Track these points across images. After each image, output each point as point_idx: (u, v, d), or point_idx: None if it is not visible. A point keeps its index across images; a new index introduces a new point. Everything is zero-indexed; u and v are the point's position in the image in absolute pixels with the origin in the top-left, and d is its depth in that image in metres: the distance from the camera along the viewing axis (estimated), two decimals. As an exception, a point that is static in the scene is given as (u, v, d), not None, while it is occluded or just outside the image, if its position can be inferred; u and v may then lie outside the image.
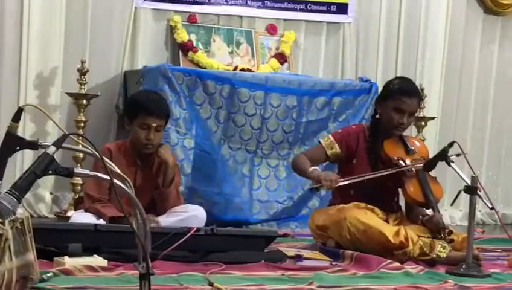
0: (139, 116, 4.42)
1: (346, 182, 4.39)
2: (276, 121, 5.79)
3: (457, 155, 4.40)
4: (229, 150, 5.70)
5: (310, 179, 4.55)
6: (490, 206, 4.06)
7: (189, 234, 3.83)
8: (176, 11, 6.24)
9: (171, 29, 6.20)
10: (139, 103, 4.48)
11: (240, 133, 5.70)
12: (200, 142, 5.56)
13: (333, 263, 4.07)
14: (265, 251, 4.12)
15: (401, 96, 4.53)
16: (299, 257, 4.13)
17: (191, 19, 6.25)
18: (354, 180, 4.42)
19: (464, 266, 4.02)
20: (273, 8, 6.53)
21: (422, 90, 6.35)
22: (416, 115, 6.15)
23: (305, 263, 4.06)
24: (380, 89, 5.00)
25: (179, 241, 3.77)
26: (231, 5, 6.38)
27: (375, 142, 4.60)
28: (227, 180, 5.67)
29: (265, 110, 5.75)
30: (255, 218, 5.73)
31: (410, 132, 6.43)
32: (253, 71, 6.09)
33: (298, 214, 5.85)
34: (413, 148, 4.61)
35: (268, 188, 5.80)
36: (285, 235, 5.15)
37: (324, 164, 5.03)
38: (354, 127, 4.81)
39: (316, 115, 5.89)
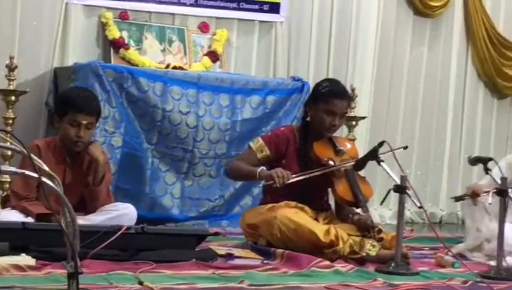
0: (69, 113, 4.36)
1: (297, 178, 4.41)
2: (211, 119, 5.77)
3: (403, 147, 4.47)
4: (164, 148, 5.65)
5: (259, 179, 4.55)
6: (419, 205, 4.10)
7: (119, 233, 3.80)
8: (108, 8, 6.17)
9: (103, 26, 6.13)
10: (69, 100, 4.42)
11: (176, 132, 5.67)
12: (130, 141, 5.51)
13: (264, 262, 4.08)
14: (196, 249, 4.10)
15: (332, 99, 4.56)
16: (230, 256, 4.13)
17: (122, 15, 6.19)
18: (305, 177, 4.43)
19: (392, 264, 4.06)
20: (205, 6, 6.51)
21: (353, 90, 6.41)
22: (346, 114, 6.24)
23: (236, 261, 4.06)
24: (311, 89, 5.02)
25: (109, 240, 3.73)
26: (163, 2, 6.34)
27: (305, 144, 4.62)
28: (159, 179, 5.63)
29: (199, 108, 5.73)
30: (186, 215, 5.71)
31: (341, 131, 6.46)
32: (185, 69, 6.06)
33: (230, 213, 5.85)
34: (342, 148, 4.64)
35: (202, 186, 5.78)
36: (216, 234, 5.14)
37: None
38: (283, 128, 4.82)
39: (250, 113, 5.89)
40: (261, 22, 6.77)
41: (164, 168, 5.66)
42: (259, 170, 4.47)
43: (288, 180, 4.34)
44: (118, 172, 5.45)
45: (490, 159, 4.43)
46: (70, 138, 4.37)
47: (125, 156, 5.50)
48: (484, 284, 3.81)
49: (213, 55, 6.42)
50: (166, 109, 5.62)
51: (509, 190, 4.24)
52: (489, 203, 4.55)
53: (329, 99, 4.56)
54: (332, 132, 4.63)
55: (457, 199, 4.87)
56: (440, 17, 7.54)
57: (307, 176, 4.45)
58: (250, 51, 6.76)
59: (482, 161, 4.42)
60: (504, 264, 4.15)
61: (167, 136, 5.65)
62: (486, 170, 4.38)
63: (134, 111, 5.56)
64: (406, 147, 4.61)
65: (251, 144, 4.68)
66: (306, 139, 4.63)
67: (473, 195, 4.66)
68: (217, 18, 6.59)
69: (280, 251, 4.22)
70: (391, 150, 4.29)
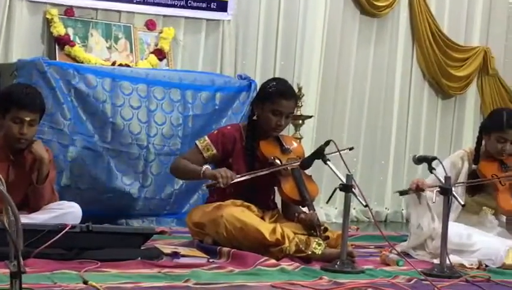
0: (12, 110, 4.30)
1: (242, 178, 4.41)
2: (162, 113, 5.73)
3: (348, 148, 4.52)
4: (119, 145, 5.59)
5: (203, 178, 4.54)
6: (364, 204, 4.13)
7: (63, 231, 3.75)
8: (53, 4, 6.11)
9: (48, 23, 6.07)
10: (12, 97, 4.35)
11: (129, 127, 5.62)
12: (81, 139, 5.45)
13: (210, 260, 4.07)
14: (142, 248, 4.08)
15: (278, 99, 4.57)
16: (175, 254, 4.11)
17: (68, 12, 6.13)
18: (250, 176, 4.43)
19: (338, 263, 4.08)
20: (152, 3, 6.48)
21: (299, 89, 6.43)
22: (293, 114, 6.26)
23: (182, 260, 4.04)
24: (258, 88, 5.02)
25: (53, 239, 3.69)
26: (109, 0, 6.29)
27: (252, 142, 4.62)
28: (114, 177, 5.57)
29: (150, 103, 5.69)
30: (140, 213, 5.67)
31: (288, 130, 6.49)
32: (131, 67, 6.02)
33: (180, 211, 5.82)
34: (288, 147, 4.66)
35: (158, 185, 5.74)
36: (162, 233, 5.12)
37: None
38: (229, 127, 4.81)
39: (201, 109, 5.87)
40: (208, 20, 6.76)
41: (120, 166, 5.60)
42: (203, 169, 4.47)
43: (232, 180, 4.34)
44: (72, 169, 5.40)
45: (434, 158, 4.47)
46: (13, 135, 4.31)
47: (77, 154, 5.43)
48: (428, 282, 3.84)
49: (160, 53, 6.39)
50: (117, 104, 5.57)
51: (453, 189, 4.29)
52: (434, 202, 4.60)
53: (276, 99, 4.57)
54: (278, 132, 4.64)
55: (402, 193, 4.91)
56: (386, 17, 7.61)
57: (252, 175, 4.45)
58: (197, 49, 6.75)
59: (427, 160, 4.47)
60: (447, 262, 4.19)
61: (121, 132, 5.59)
62: (431, 169, 4.42)
63: (84, 108, 5.49)
64: (351, 148, 4.64)
65: (197, 142, 4.67)
66: (253, 138, 4.63)
67: (417, 189, 4.70)
68: (164, 16, 6.56)
69: (226, 249, 4.21)
70: (337, 151, 4.31)
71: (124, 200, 5.61)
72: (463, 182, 4.90)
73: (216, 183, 4.34)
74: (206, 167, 4.49)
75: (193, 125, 5.84)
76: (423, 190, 4.68)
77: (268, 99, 4.59)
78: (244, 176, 4.43)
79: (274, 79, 4.97)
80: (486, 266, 4.53)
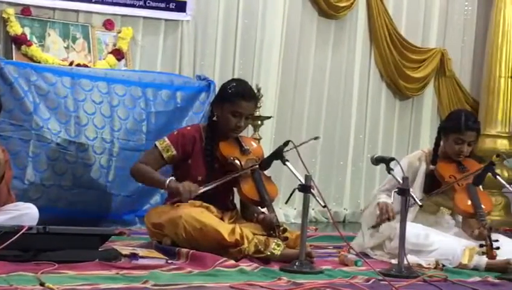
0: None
1: (205, 189, 4.41)
2: (125, 109, 5.68)
3: (314, 138, 4.51)
4: (85, 139, 5.53)
5: (167, 190, 4.53)
6: (323, 204, 4.14)
7: (20, 233, 3.71)
8: (9, 3, 6.04)
9: (4, 22, 6.00)
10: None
11: (92, 121, 5.56)
12: (45, 134, 5.38)
13: (168, 262, 4.05)
14: (100, 249, 4.05)
15: (238, 100, 4.57)
16: (134, 256, 4.09)
17: (24, 11, 6.06)
18: (212, 186, 4.43)
19: (297, 263, 4.09)
20: (110, 3, 6.44)
21: (258, 90, 6.41)
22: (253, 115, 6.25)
23: (140, 261, 4.02)
24: (218, 88, 5.01)
25: (10, 240, 3.65)
26: (67, -1, 6.25)
27: (211, 143, 4.62)
28: (80, 173, 5.50)
29: (112, 99, 5.64)
30: (102, 213, 5.61)
31: (247, 131, 6.49)
32: (89, 67, 5.98)
33: (141, 209, 5.77)
34: (248, 148, 4.66)
35: (122, 181, 5.69)
36: (120, 234, 5.09)
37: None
38: (189, 127, 4.80)
39: (163, 106, 5.84)
40: (167, 20, 6.73)
41: (88, 161, 5.54)
42: (168, 181, 4.47)
43: (195, 193, 4.36)
44: (35, 167, 5.33)
45: (392, 159, 4.50)
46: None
47: (40, 149, 5.36)
48: (386, 282, 3.87)
49: (118, 53, 6.35)
50: (79, 98, 5.51)
51: (410, 189, 4.32)
52: (392, 203, 4.63)
53: (236, 101, 4.57)
54: (238, 133, 4.64)
55: (374, 227, 4.88)
56: (344, 18, 7.64)
57: (214, 185, 4.44)
58: (155, 49, 6.72)
59: (385, 161, 4.49)
60: (405, 262, 4.22)
61: (85, 126, 5.53)
62: (389, 170, 4.45)
63: (46, 103, 5.39)
64: (317, 138, 4.66)
65: (157, 143, 4.65)
66: (212, 139, 4.62)
67: (388, 220, 4.71)
68: (122, 16, 6.52)
69: (185, 250, 4.20)
70: (304, 142, 4.32)
71: (90, 196, 5.54)
72: (430, 194, 4.92)
73: (179, 200, 4.36)
74: (170, 178, 4.49)
75: (156, 122, 5.80)
76: (391, 219, 4.69)
77: (228, 101, 4.58)
78: (207, 186, 4.43)
79: (234, 80, 4.96)
80: (443, 265, 4.57)
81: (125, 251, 4.16)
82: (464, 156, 4.97)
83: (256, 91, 6.18)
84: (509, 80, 8.00)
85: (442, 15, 8.19)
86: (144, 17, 6.62)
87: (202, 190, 4.41)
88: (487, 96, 8.07)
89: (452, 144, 4.95)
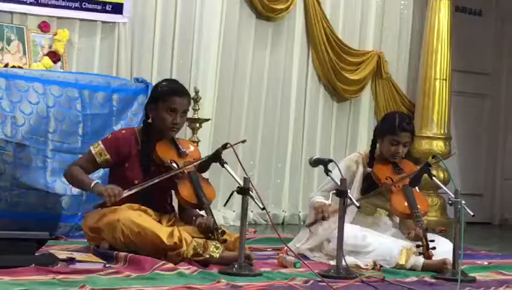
0: None
1: (130, 192, 4.38)
2: (61, 110, 5.59)
3: (241, 141, 4.53)
4: (21, 139, 5.43)
5: (92, 193, 4.50)
6: (262, 206, 4.15)
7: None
8: None
9: None
10: None
11: (29, 121, 5.47)
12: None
13: (106, 266, 4.02)
14: (36, 254, 3.99)
15: (171, 97, 4.57)
16: (71, 260, 4.04)
17: (-42, 12, 5.96)
18: (137, 189, 4.40)
19: (236, 266, 4.09)
20: (46, 5, 6.35)
21: (197, 92, 6.42)
22: (191, 116, 6.25)
23: (78, 266, 3.98)
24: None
25: None
26: (1, 0, 6.14)
27: (148, 146, 4.59)
28: (19, 174, 5.40)
29: (48, 99, 5.55)
30: (42, 215, 5.52)
31: (185, 134, 6.47)
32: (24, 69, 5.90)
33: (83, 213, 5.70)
34: (185, 150, 4.64)
35: (64, 182, 5.60)
36: (57, 238, 5.03)
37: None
38: (124, 131, 4.76)
39: (99, 109, 5.78)
40: (103, 22, 6.68)
41: (26, 162, 5.44)
42: (92, 184, 4.44)
43: (120, 197, 4.33)
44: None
45: (330, 161, 4.53)
46: None
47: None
48: (324, 283, 3.89)
49: (54, 56, 6.27)
50: (14, 100, 5.41)
51: (348, 191, 4.35)
52: (329, 204, 4.66)
53: (169, 98, 4.57)
54: (175, 131, 4.61)
55: (310, 225, 4.91)
56: (282, 20, 7.67)
57: (139, 188, 4.42)
58: (92, 51, 6.66)
59: (323, 163, 4.52)
60: (343, 263, 4.25)
61: (21, 126, 5.43)
62: (327, 172, 4.47)
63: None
64: (244, 141, 4.66)
65: (91, 148, 4.62)
66: (148, 142, 4.60)
67: (323, 219, 4.74)
68: (58, 18, 6.45)
69: (123, 254, 4.17)
70: (230, 146, 4.31)
71: (31, 197, 5.45)
72: (366, 196, 4.96)
73: (103, 204, 4.32)
74: (95, 182, 4.47)
75: (92, 124, 5.73)
76: (327, 219, 4.73)
77: (161, 99, 4.58)
78: (132, 189, 4.40)
79: (165, 79, 4.98)
80: (381, 266, 4.62)
81: (62, 255, 4.12)
82: (400, 157, 5.03)
83: (194, 93, 6.23)
84: (444, 82, 8.11)
85: (379, 18, 8.28)
86: (81, 19, 6.56)
87: (127, 193, 4.37)
88: (423, 98, 8.18)
89: (388, 146, 5.00)
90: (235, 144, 4.39)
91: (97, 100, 5.78)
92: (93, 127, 5.72)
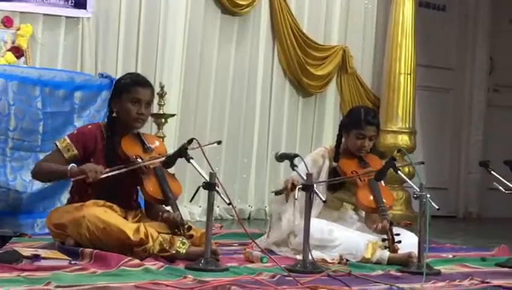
0: None
1: (110, 173, 4.35)
2: (21, 107, 5.53)
3: (216, 142, 4.52)
4: None
5: (70, 177, 4.44)
6: (228, 201, 4.14)
7: None
8: None
9: None
10: None
11: None
12: None
13: (72, 262, 3.99)
14: (0, 251, 3.96)
15: (134, 87, 4.57)
16: (36, 257, 4.01)
17: None
18: (118, 172, 4.37)
19: (202, 261, 4.08)
20: (8, 0, 6.30)
21: (162, 87, 6.40)
22: (156, 112, 6.23)
23: (43, 262, 3.95)
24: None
25: None
26: (-39, -6, 6.08)
27: (113, 141, 4.57)
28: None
29: (8, 96, 5.50)
30: (9, 211, 5.47)
31: (151, 129, 6.45)
32: (-14, 65, 5.84)
33: (48, 210, 5.64)
34: (151, 146, 4.62)
35: (25, 180, 5.55)
36: (22, 235, 4.99)
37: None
38: (90, 126, 4.74)
39: (59, 107, 5.73)
40: (67, 17, 6.63)
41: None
42: (69, 167, 4.39)
43: (101, 174, 4.29)
44: None
45: (296, 156, 4.54)
46: None
47: None
48: (291, 278, 3.89)
49: (17, 51, 6.22)
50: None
51: (314, 185, 4.36)
52: (296, 199, 4.67)
53: (132, 88, 4.56)
54: (140, 122, 4.59)
55: (277, 193, 4.94)
56: (247, 16, 7.66)
57: (121, 171, 4.40)
58: (56, 47, 6.62)
59: (289, 158, 4.52)
60: (310, 257, 4.26)
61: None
62: (293, 166, 4.48)
63: None
64: (219, 142, 4.65)
65: (57, 143, 4.58)
66: (113, 137, 4.58)
67: (292, 188, 4.75)
68: (21, 12, 6.39)
69: (88, 250, 4.14)
70: (207, 144, 4.31)
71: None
72: (325, 181, 4.99)
73: (86, 178, 4.27)
74: (72, 165, 4.42)
75: (53, 122, 5.68)
76: (296, 187, 4.73)
77: (124, 91, 4.57)
78: (113, 170, 4.37)
79: (127, 73, 4.98)
80: (347, 260, 4.63)
81: (27, 252, 4.08)
82: (366, 151, 5.05)
83: (159, 89, 6.21)
84: (409, 76, 8.16)
85: (343, 13, 8.30)
86: (44, 14, 6.51)
87: (108, 172, 4.34)
88: (388, 93, 8.22)
89: (354, 140, 5.02)
90: (209, 145, 4.37)
91: (58, 97, 5.74)
92: (53, 124, 5.68)
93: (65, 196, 5.65)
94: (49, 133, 5.63)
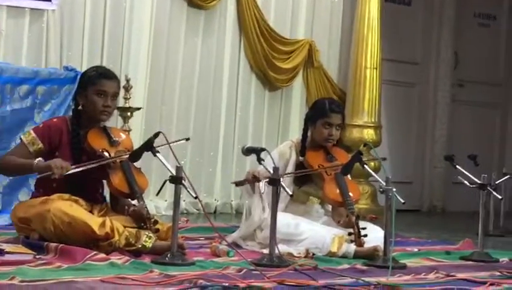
0: None
1: (77, 169, 4.32)
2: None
3: (185, 138, 4.47)
4: None
5: (36, 171, 4.40)
6: (194, 195, 4.13)
7: None
8: None
9: None
10: None
11: None
12: None
13: (37, 257, 3.96)
14: (-37, 246, 3.92)
15: (100, 80, 4.55)
16: (0, 252, 3.97)
17: None
18: (85, 168, 4.34)
19: (168, 255, 4.07)
20: (-30, -9, 6.23)
21: (128, 80, 6.37)
22: (122, 105, 6.20)
23: (7, 257, 3.91)
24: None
25: None
26: None
27: (78, 135, 4.54)
28: None
29: None
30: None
31: (116, 123, 6.41)
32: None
33: (8, 208, 5.59)
34: (117, 139, 4.60)
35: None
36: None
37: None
38: (55, 119, 4.71)
39: (19, 103, 5.67)
40: (32, 9, 6.56)
41: None
42: (35, 161, 4.35)
43: (67, 171, 4.25)
44: None
45: (263, 150, 4.53)
46: None
47: None
48: (257, 272, 3.89)
49: (-20, 44, 6.15)
50: None
51: (281, 179, 4.36)
52: (262, 193, 4.67)
53: (98, 81, 4.55)
54: (106, 114, 4.56)
55: (238, 183, 4.94)
56: (214, 9, 7.64)
57: (87, 167, 4.36)
58: (20, 39, 6.55)
59: (255, 151, 4.51)
60: (276, 251, 4.26)
61: None
62: (260, 160, 4.47)
63: None
64: (187, 139, 4.63)
65: (22, 137, 4.54)
66: (79, 130, 4.54)
67: (253, 179, 4.75)
68: (-16, 4, 6.32)
69: (54, 245, 4.11)
70: (174, 141, 4.28)
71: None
72: (292, 173, 5.00)
73: (51, 175, 4.23)
74: (39, 159, 4.37)
75: (11, 121, 5.62)
76: (259, 180, 4.74)
77: (90, 83, 4.56)
78: (80, 167, 4.34)
79: (93, 66, 4.96)
80: (314, 254, 4.64)
81: (-10, 247, 4.05)
82: (334, 140, 5.06)
83: (125, 82, 6.18)
84: (375, 70, 8.19)
85: (310, 7, 8.30)
86: (8, 6, 6.44)
87: (74, 169, 4.30)
88: (354, 87, 8.24)
89: (321, 129, 5.03)
90: (178, 141, 4.35)
91: (18, 95, 5.68)
92: (12, 123, 5.62)
93: (22, 193, 5.62)
94: (4, 132, 5.56)
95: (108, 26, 7.01)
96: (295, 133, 7.80)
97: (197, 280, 3.57)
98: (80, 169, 4.35)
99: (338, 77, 8.53)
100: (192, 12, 7.54)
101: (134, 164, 4.58)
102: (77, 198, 4.43)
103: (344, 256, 4.68)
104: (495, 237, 6.65)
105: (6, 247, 4.10)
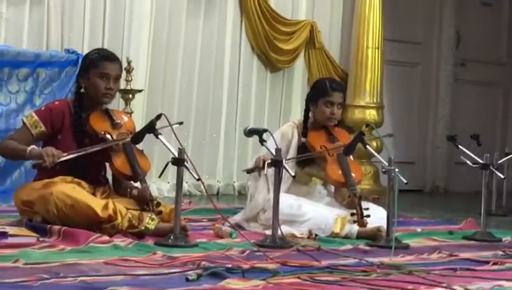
0: None
1: (68, 157, 4.30)
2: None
3: (178, 123, 4.45)
4: None
5: (30, 158, 4.42)
6: (197, 177, 4.13)
7: None
8: None
9: None
10: None
11: None
12: None
13: (40, 239, 3.96)
14: (-33, 229, 3.93)
15: (102, 62, 4.54)
16: (3, 234, 3.97)
17: None
18: (78, 154, 4.33)
19: (171, 237, 4.08)
20: (-30, -26, 6.21)
21: (129, 62, 6.36)
22: (123, 88, 6.19)
23: (10, 240, 3.91)
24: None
25: None
26: None
27: (80, 117, 4.54)
28: None
29: None
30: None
31: (118, 105, 6.41)
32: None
33: (2, 186, 5.60)
34: (119, 121, 4.60)
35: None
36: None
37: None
38: (57, 102, 4.70)
39: (18, 86, 5.66)
40: (32, -8, 6.56)
41: None
42: (29, 148, 4.35)
43: (58, 159, 4.25)
44: None
45: (265, 131, 4.53)
46: None
47: None
48: (260, 253, 3.90)
49: (-19, 27, 6.14)
50: None
51: (283, 160, 4.36)
52: (265, 174, 4.67)
53: (100, 63, 4.53)
54: (109, 97, 4.56)
55: (249, 171, 4.93)
56: (215, -10, 7.62)
57: (80, 153, 4.36)
58: (21, 22, 6.53)
59: (257, 133, 4.51)
60: (279, 232, 4.26)
61: None
62: (262, 141, 4.47)
63: None
64: (181, 123, 4.61)
65: (24, 119, 4.54)
66: (81, 113, 4.54)
67: (263, 166, 4.74)
68: (-16, -13, 6.31)
69: (57, 227, 4.12)
70: (169, 125, 4.27)
71: None
72: (294, 157, 4.99)
73: (42, 163, 4.23)
74: (32, 146, 4.37)
75: (11, 103, 5.62)
76: (269, 166, 4.72)
77: (92, 66, 4.54)
78: (72, 153, 4.34)
79: (95, 48, 4.94)
80: (316, 235, 4.64)
81: (-6, 230, 4.05)
82: (336, 119, 5.05)
83: (126, 64, 6.17)
84: (377, 50, 8.16)
85: (311, -13, 8.27)
86: (9, -11, 6.43)
87: (66, 156, 4.30)
88: (356, 68, 8.22)
89: (322, 109, 5.02)
90: (172, 125, 4.34)
91: (16, 78, 5.67)
92: (11, 105, 5.62)
93: (16, 176, 5.62)
94: (3, 114, 5.57)
95: (109, 8, 6.99)
96: (297, 114, 7.79)
97: (200, 261, 3.58)
98: (72, 156, 4.33)
99: (340, 57, 8.50)
100: (193, -7, 7.53)
101: (137, 146, 4.58)
102: (80, 181, 4.43)
103: (347, 237, 4.68)
104: (498, 216, 6.65)
105: (10, 230, 4.09)
